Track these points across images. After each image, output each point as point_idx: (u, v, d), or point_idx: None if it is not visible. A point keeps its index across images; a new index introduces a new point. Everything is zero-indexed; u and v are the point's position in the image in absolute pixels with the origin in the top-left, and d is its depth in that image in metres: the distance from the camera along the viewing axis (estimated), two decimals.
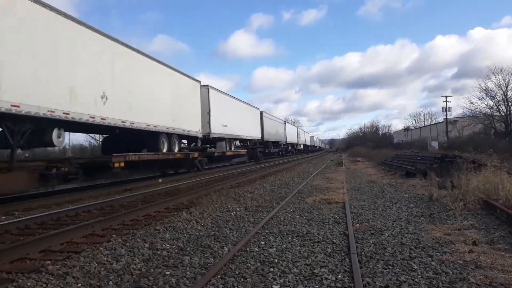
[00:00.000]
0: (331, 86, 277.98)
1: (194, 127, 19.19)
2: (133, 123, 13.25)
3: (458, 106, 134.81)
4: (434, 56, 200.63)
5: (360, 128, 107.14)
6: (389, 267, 4.17)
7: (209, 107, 21.22)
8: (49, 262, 4.39)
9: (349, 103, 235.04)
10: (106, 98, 11.84)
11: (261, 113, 35.13)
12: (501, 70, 41.00)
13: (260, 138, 34.39)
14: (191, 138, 20.47)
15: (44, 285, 3.79)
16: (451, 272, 3.93)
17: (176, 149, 17.66)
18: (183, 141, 19.60)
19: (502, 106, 41.41)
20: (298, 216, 7.29)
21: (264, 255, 4.72)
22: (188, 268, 4.34)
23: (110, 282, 3.90)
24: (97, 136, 39.11)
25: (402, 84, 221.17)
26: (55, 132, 10.43)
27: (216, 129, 22.36)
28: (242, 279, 3.91)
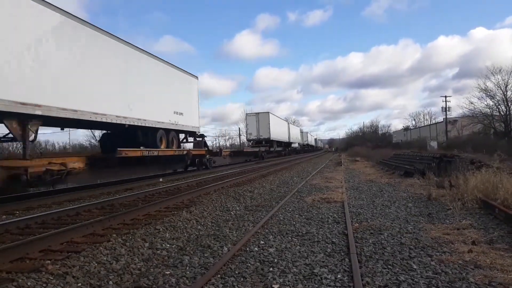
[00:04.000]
0: (333, 86, 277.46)
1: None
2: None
3: (458, 106, 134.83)
4: (436, 56, 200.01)
5: (360, 128, 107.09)
6: (389, 266, 4.18)
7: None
8: (49, 261, 4.39)
9: (350, 103, 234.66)
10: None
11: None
12: (500, 70, 41.02)
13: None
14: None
15: (44, 285, 3.79)
16: (450, 272, 3.94)
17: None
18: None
19: (501, 106, 41.39)
20: (297, 216, 7.31)
21: (264, 255, 4.73)
22: (188, 267, 4.35)
23: (110, 282, 3.90)
24: (96, 134, 42.68)
25: (403, 84, 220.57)
26: None
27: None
28: (242, 279, 3.92)
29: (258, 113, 39.03)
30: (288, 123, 53.62)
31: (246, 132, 39.50)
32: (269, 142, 38.77)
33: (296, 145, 62.48)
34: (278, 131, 42.75)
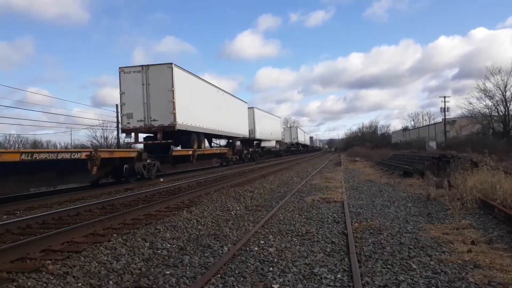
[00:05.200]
0: (333, 86, 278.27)
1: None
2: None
3: (457, 106, 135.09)
4: (437, 56, 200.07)
5: (359, 128, 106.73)
6: (388, 266, 4.20)
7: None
8: (50, 261, 4.40)
9: (350, 103, 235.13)
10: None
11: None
12: (499, 71, 41.13)
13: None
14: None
15: (44, 285, 3.80)
16: (450, 272, 3.95)
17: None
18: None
19: (500, 106, 41.56)
20: (297, 215, 7.32)
21: (264, 255, 4.75)
22: (188, 267, 4.36)
23: (110, 282, 3.91)
24: (98, 134, 46.92)
25: (403, 85, 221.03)
26: None
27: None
28: (242, 279, 3.93)
29: (148, 65, 16.47)
30: (253, 108, 31.28)
31: (121, 111, 17.35)
32: (174, 135, 17.34)
33: (272, 143, 41.81)
34: (212, 113, 20.96)
